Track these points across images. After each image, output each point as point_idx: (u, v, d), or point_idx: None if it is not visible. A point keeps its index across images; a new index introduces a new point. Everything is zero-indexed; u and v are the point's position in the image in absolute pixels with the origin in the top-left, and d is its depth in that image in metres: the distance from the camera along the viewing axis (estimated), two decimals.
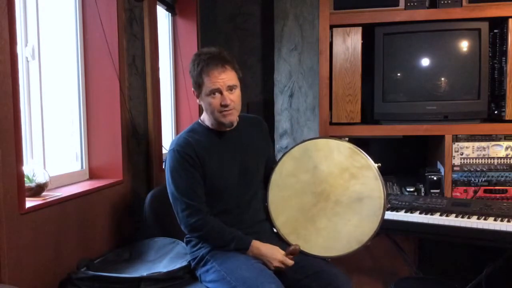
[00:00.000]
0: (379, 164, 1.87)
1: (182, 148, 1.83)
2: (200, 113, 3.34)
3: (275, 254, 1.80)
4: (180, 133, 1.95)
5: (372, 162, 1.87)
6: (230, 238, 1.81)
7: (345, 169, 1.88)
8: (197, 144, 1.85)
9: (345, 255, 1.85)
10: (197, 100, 1.89)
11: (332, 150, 1.91)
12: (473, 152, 2.47)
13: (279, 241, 1.93)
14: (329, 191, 1.89)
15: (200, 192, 1.82)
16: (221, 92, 1.79)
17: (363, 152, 1.89)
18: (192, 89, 1.89)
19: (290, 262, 1.80)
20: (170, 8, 3.17)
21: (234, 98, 1.82)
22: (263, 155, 2.01)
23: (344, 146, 1.91)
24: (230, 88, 1.81)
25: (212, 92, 1.79)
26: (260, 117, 2.11)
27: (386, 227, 2.19)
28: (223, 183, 1.86)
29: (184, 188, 1.81)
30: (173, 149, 1.85)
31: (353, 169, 1.87)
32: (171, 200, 1.85)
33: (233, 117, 1.84)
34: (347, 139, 1.96)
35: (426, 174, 2.53)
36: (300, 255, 1.86)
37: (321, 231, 1.88)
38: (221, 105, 1.79)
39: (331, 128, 2.62)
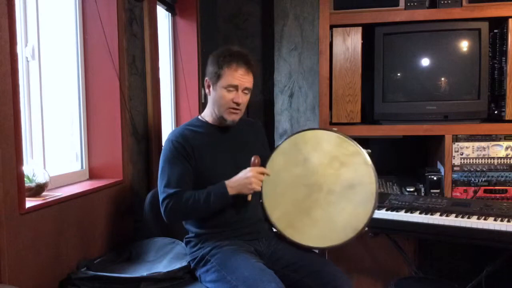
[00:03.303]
0: (369, 150, 1.87)
1: (177, 139, 1.88)
2: (200, 112, 3.35)
3: (247, 172, 1.81)
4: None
5: (361, 148, 1.87)
6: (206, 195, 1.81)
7: (335, 158, 1.88)
8: (194, 137, 1.89)
9: (343, 243, 1.86)
10: (207, 90, 1.93)
11: (320, 140, 1.93)
12: (473, 152, 2.47)
13: (278, 239, 1.93)
14: (321, 181, 1.89)
15: (186, 184, 1.84)
16: (237, 90, 1.85)
17: (351, 139, 1.89)
18: (206, 77, 1.92)
19: (263, 169, 1.85)
20: (170, 8, 3.17)
21: (245, 100, 1.88)
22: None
23: (332, 135, 1.91)
24: (245, 90, 1.87)
25: (230, 87, 1.85)
26: (259, 121, 2.16)
27: (386, 227, 2.21)
28: (216, 176, 1.87)
29: (170, 178, 1.83)
30: (168, 139, 1.90)
31: (343, 157, 1.88)
32: (158, 189, 1.88)
33: (237, 116, 1.89)
34: (335, 129, 1.95)
35: (426, 174, 2.53)
36: (300, 253, 1.87)
37: (317, 222, 1.88)
38: (233, 102, 1.84)
39: (331, 128, 2.61)
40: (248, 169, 1.83)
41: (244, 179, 1.81)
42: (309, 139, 1.94)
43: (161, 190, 1.85)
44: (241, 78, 1.84)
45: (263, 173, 1.85)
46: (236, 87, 1.85)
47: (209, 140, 1.91)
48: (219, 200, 1.82)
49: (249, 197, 1.85)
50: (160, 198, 1.85)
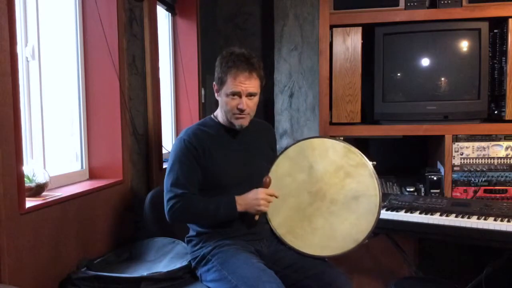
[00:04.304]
0: (374, 162, 1.87)
1: (189, 138, 1.87)
2: (201, 114, 3.35)
3: (257, 193, 1.81)
4: (192, 124, 1.98)
5: (367, 160, 1.87)
6: (215, 206, 1.81)
7: (340, 168, 1.88)
8: (206, 136, 1.89)
9: (342, 254, 1.85)
10: (216, 95, 1.92)
11: (327, 149, 1.92)
12: (473, 152, 2.47)
13: (279, 242, 1.93)
14: (324, 190, 1.89)
15: (193, 185, 1.84)
16: (240, 96, 1.83)
17: (358, 150, 1.89)
18: (214, 82, 1.91)
19: (272, 190, 1.84)
20: (170, 8, 3.17)
21: (251, 104, 1.86)
22: (267, 159, 2.00)
23: (339, 145, 1.91)
24: (250, 95, 1.85)
25: (232, 94, 1.83)
26: (269, 124, 2.15)
27: (386, 227, 2.20)
28: (226, 178, 1.88)
29: (178, 178, 1.82)
30: (181, 138, 1.89)
31: (348, 167, 1.87)
32: (164, 186, 1.87)
33: (245, 121, 1.87)
34: (342, 138, 1.96)
35: (426, 174, 2.53)
36: (299, 256, 1.86)
37: (318, 231, 1.88)
38: (237, 109, 1.83)
39: (331, 128, 2.62)
40: (259, 190, 1.83)
41: (253, 199, 1.81)
42: (316, 147, 1.93)
43: (168, 188, 1.84)
44: (242, 84, 1.81)
45: (272, 195, 1.84)
46: (239, 94, 1.82)
47: (220, 142, 1.91)
48: (227, 214, 1.82)
49: (256, 217, 1.85)
50: (166, 196, 1.83)
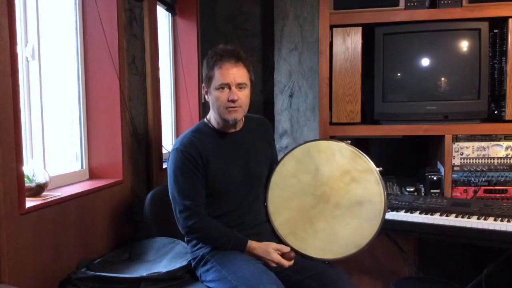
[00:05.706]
0: (381, 168, 1.86)
1: (186, 148, 1.82)
2: (201, 114, 3.35)
3: (270, 255, 1.79)
4: (185, 132, 1.93)
5: (374, 166, 1.86)
6: (227, 239, 1.81)
7: (347, 172, 1.87)
8: (202, 144, 1.84)
9: (343, 258, 1.86)
10: (206, 97, 1.88)
11: (334, 152, 1.90)
12: (473, 152, 2.47)
13: (280, 242, 1.92)
14: (329, 193, 1.88)
15: (200, 194, 1.82)
16: (230, 87, 1.78)
17: (365, 155, 1.88)
18: (203, 84, 1.88)
19: (286, 263, 1.80)
20: (170, 8, 3.17)
21: (242, 96, 1.80)
22: (266, 157, 2.00)
23: (347, 149, 1.90)
24: (240, 86, 1.80)
25: (221, 86, 1.78)
26: (265, 119, 2.11)
27: (386, 227, 2.19)
28: (226, 184, 1.86)
29: (184, 189, 1.80)
30: (176, 148, 1.84)
31: (355, 172, 1.86)
32: (171, 199, 1.85)
33: (238, 114, 1.82)
34: (349, 141, 1.95)
35: (426, 174, 2.53)
36: (300, 257, 1.86)
37: (319, 233, 1.87)
38: (228, 101, 1.78)
39: (331, 128, 2.62)
40: (275, 255, 1.79)
41: (264, 260, 1.80)
42: (323, 149, 1.92)
43: (176, 200, 1.82)
44: (230, 74, 1.77)
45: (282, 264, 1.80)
46: (228, 85, 1.78)
47: (217, 146, 1.87)
48: (234, 250, 1.82)
49: None
50: (176, 208, 1.82)
